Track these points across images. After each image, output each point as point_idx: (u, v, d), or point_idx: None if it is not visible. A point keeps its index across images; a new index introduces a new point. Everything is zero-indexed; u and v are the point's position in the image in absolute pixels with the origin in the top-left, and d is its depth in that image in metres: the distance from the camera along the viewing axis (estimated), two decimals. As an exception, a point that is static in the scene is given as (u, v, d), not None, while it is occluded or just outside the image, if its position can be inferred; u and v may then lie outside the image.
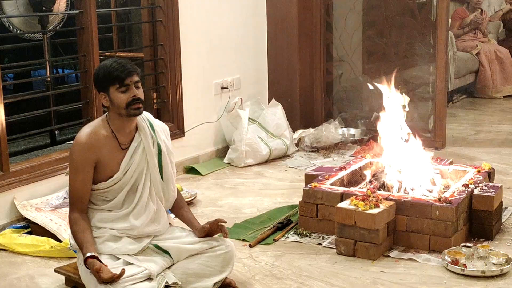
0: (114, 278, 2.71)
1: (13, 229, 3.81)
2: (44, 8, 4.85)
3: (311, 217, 3.80)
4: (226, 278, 3.06)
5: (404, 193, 3.73)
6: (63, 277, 3.19)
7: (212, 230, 3.05)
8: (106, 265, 2.76)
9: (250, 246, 3.65)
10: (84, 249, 2.82)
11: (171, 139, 3.19)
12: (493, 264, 3.26)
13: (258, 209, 4.27)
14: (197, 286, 2.98)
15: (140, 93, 2.92)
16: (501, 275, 3.21)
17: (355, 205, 3.45)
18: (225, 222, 3.08)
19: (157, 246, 2.98)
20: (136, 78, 2.90)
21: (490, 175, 4.06)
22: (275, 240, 3.72)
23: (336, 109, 6.24)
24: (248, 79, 5.76)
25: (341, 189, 3.77)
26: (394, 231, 3.56)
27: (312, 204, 3.78)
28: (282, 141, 5.44)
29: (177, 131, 5.08)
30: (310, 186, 3.83)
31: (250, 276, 3.28)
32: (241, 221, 4.04)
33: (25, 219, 3.84)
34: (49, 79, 5.32)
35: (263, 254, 3.55)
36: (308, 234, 3.76)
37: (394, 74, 4.11)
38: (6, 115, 3.90)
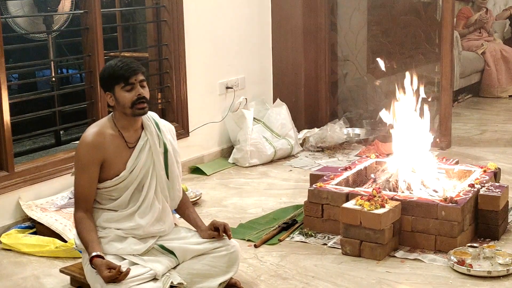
0: (120, 277, 2.71)
1: (18, 229, 3.81)
2: (48, 8, 4.85)
3: (316, 217, 3.79)
4: (231, 278, 3.06)
5: (410, 192, 3.72)
6: (68, 277, 3.19)
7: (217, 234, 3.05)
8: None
9: (255, 246, 3.64)
10: (90, 248, 2.82)
11: (176, 139, 3.18)
12: (499, 264, 3.25)
13: (263, 209, 4.26)
14: (202, 286, 2.98)
15: (146, 92, 2.92)
16: (508, 275, 3.20)
17: (360, 205, 3.45)
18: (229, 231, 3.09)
19: (162, 247, 2.98)
20: (141, 77, 2.91)
21: (496, 175, 4.04)
22: (280, 240, 3.71)
23: (341, 109, 6.23)
24: (253, 79, 5.76)
25: (347, 189, 3.76)
26: (399, 231, 3.55)
27: (317, 204, 3.78)
28: (287, 141, 5.44)
29: (182, 131, 5.08)
30: (315, 186, 3.82)
31: (255, 276, 3.28)
32: (246, 221, 4.04)
33: (30, 219, 3.84)
34: (53, 79, 5.33)
35: (268, 254, 3.54)
36: (313, 234, 3.76)
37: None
38: (11, 115, 3.90)
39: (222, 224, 3.03)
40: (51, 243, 3.60)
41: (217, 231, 3.03)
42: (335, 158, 5.37)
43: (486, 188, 3.70)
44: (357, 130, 5.95)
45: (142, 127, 3.01)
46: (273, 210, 4.22)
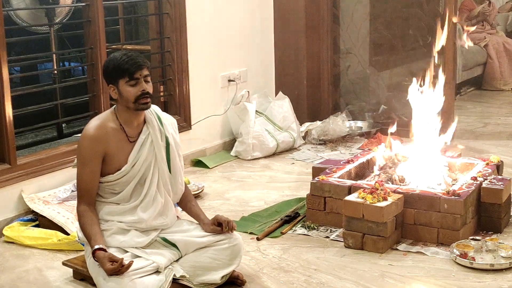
0: (122, 269, 2.71)
1: (21, 222, 3.81)
2: (50, 0, 4.84)
3: (319, 210, 3.79)
4: (233, 271, 3.06)
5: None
6: (71, 270, 3.20)
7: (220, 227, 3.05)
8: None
9: (258, 239, 3.64)
10: (92, 241, 2.83)
11: (178, 132, 3.18)
12: (502, 257, 3.25)
13: (266, 202, 4.26)
14: (205, 279, 2.98)
15: (149, 87, 2.91)
16: (510, 268, 3.20)
17: (363, 198, 3.44)
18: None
19: (165, 239, 2.98)
20: (146, 72, 2.90)
21: (498, 168, 4.03)
22: (282, 233, 3.71)
23: (343, 102, 6.22)
24: (255, 71, 5.75)
25: (349, 182, 3.76)
26: (402, 224, 3.55)
27: (320, 197, 3.77)
28: (289, 134, 5.43)
29: (184, 124, 5.07)
30: (317, 179, 3.82)
31: (257, 269, 3.28)
32: (249, 214, 4.03)
33: (33, 212, 3.85)
34: (55, 72, 5.32)
35: (271, 247, 3.54)
36: (316, 227, 3.75)
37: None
38: (13, 108, 3.90)
39: (225, 220, 3.02)
40: (53, 236, 3.60)
41: (220, 226, 3.02)
42: (338, 151, 5.36)
43: (489, 181, 3.70)
44: (360, 123, 5.94)
45: (145, 121, 3.00)
46: (276, 203, 4.22)
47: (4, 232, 3.72)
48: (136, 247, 2.92)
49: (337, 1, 6.04)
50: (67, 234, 3.61)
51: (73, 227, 3.60)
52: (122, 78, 2.87)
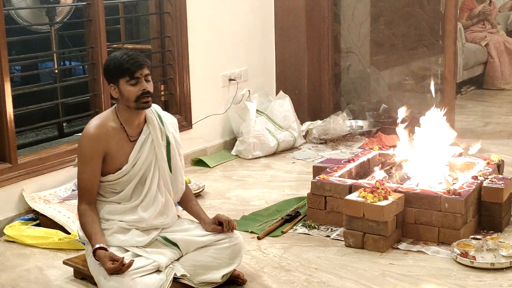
0: (123, 268, 2.71)
1: (22, 221, 3.82)
2: (51, 0, 4.84)
3: (320, 209, 3.79)
4: (234, 270, 3.06)
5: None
6: (71, 269, 3.20)
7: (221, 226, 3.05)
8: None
9: (258, 238, 3.64)
10: (93, 240, 2.83)
11: (179, 131, 3.18)
12: (503, 256, 3.25)
13: (266, 201, 4.26)
14: (206, 278, 2.98)
15: (150, 86, 2.91)
16: (511, 267, 3.20)
17: (363, 197, 3.44)
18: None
19: (165, 239, 2.98)
20: (146, 71, 2.90)
21: (499, 167, 4.03)
22: (283, 232, 3.71)
23: (344, 101, 6.22)
24: (256, 71, 5.75)
25: (350, 181, 3.76)
26: (402, 223, 3.55)
27: (321, 196, 3.77)
28: (290, 133, 5.43)
29: (185, 123, 5.07)
30: (318, 178, 3.82)
31: (258, 268, 3.28)
32: (249, 213, 4.04)
33: (34, 211, 3.85)
34: (56, 71, 5.32)
35: (272, 246, 3.54)
36: (317, 226, 3.76)
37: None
38: (14, 107, 3.90)
39: (226, 219, 3.02)
40: (54, 235, 3.61)
41: (221, 226, 3.02)
42: (338, 150, 5.36)
43: (490, 180, 3.70)
44: (360, 122, 5.94)
45: (145, 120, 3.00)
46: (276, 202, 4.22)
47: (5, 231, 3.73)
48: (136, 246, 2.92)
49: (337, 0, 6.04)
50: (68, 233, 3.61)
51: (74, 226, 3.61)
52: (123, 78, 2.87)
